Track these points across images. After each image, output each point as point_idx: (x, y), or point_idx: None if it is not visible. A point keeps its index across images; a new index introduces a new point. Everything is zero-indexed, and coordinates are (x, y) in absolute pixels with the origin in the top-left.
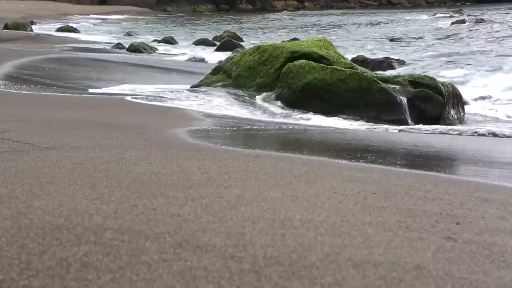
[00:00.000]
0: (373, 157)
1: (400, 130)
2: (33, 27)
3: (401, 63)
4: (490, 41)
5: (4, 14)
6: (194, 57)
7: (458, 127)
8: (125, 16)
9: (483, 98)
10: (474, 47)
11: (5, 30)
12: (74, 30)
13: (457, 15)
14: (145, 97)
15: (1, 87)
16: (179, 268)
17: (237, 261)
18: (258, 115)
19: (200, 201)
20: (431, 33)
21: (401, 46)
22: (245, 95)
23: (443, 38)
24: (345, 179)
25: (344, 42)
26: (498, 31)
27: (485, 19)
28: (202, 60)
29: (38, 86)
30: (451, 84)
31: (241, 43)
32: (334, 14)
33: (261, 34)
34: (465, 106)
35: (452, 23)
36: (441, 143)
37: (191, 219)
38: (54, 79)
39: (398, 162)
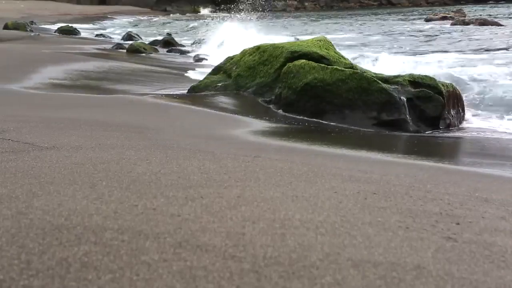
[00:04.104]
0: None
1: None
2: (33, 27)
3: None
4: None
5: (4, 14)
6: (194, 57)
7: None
8: (125, 16)
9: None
10: (475, 48)
11: (5, 30)
12: (73, 30)
13: (457, 15)
14: (145, 97)
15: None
16: (179, 268)
17: (237, 261)
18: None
19: (200, 201)
20: (431, 33)
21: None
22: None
23: (442, 38)
24: (345, 179)
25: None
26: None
27: (488, 20)
28: (202, 60)
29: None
30: (451, 84)
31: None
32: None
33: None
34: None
35: (452, 24)
36: None
37: (191, 219)
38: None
39: None
